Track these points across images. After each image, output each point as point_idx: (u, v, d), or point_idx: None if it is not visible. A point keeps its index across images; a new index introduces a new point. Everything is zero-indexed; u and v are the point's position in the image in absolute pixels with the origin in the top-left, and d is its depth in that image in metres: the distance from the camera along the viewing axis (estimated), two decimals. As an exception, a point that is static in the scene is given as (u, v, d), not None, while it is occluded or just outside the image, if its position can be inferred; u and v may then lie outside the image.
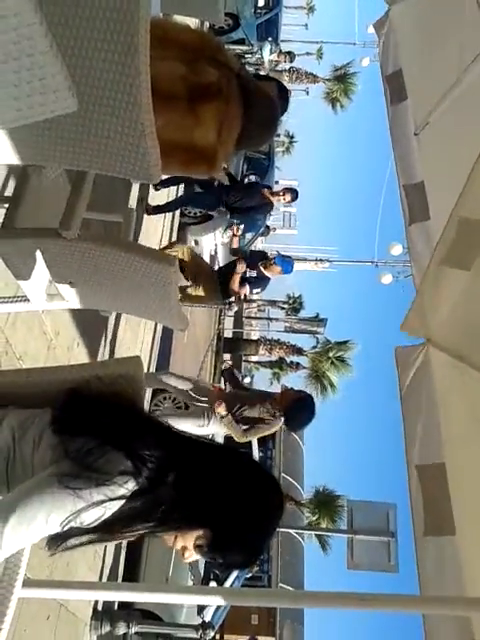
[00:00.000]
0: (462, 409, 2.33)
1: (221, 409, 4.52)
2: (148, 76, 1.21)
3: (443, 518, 2.20)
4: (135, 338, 5.60)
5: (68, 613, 4.10)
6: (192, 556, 1.19)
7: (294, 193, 6.74)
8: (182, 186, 6.63)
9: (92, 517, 1.12)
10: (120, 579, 5.41)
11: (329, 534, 17.23)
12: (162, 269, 1.61)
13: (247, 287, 5.57)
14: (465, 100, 2.89)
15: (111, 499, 1.11)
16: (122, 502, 1.13)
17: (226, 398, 4.63)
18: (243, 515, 1.16)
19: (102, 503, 1.11)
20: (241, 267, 5.37)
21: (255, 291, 5.81)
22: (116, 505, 1.13)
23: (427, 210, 3.03)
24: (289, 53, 12.05)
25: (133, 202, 5.09)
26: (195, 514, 1.15)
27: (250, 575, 15.75)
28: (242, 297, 5.70)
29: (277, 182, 30.97)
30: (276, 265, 5.62)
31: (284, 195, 6.47)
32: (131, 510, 1.14)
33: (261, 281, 5.76)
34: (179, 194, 6.70)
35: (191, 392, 4.85)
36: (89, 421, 1.19)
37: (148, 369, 6.10)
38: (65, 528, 1.11)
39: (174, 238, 7.03)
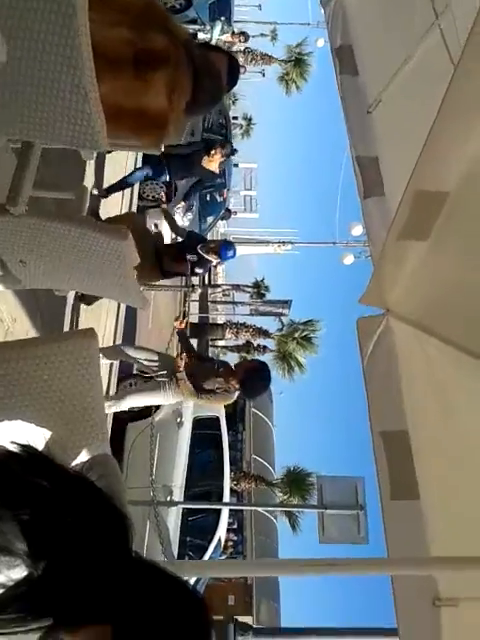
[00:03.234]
0: (423, 377, 2.38)
1: (181, 363, 4.75)
2: (88, 38, 1.17)
3: (407, 483, 2.26)
4: (97, 323, 5.52)
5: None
6: None
7: (226, 147, 6.63)
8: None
9: None
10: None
11: (300, 511, 17.51)
12: (114, 243, 1.57)
13: (188, 265, 5.61)
14: (416, 77, 2.92)
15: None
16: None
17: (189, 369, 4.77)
18: (153, 616, 0.86)
19: None
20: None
21: (197, 270, 5.79)
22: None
23: (382, 185, 3.06)
24: (243, 33, 11.84)
25: (87, 181, 4.99)
26: (94, 608, 0.84)
27: (225, 557, 15.94)
28: (186, 273, 5.72)
29: (236, 165, 30.86)
30: (216, 253, 5.68)
31: (215, 153, 6.32)
32: (8, 602, 0.84)
33: (202, 263, 5.76)
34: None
35: (154, 363, 4.93)
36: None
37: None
38: None
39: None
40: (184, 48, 1.81)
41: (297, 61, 28.24)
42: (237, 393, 4.86)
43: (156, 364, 4.94)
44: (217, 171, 6.49)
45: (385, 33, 3.30)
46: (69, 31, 1.14)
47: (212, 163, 6.33)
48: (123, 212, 6.66)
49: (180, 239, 5.81)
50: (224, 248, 5.80)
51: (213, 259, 5.73)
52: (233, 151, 7.24)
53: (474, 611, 1.94)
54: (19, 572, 0.83)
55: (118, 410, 5.09)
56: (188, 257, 5.50)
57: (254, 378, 4.80)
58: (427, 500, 2.18)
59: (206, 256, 5.64)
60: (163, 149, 6.06)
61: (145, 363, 4.99)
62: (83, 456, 1.30)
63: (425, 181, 1.93)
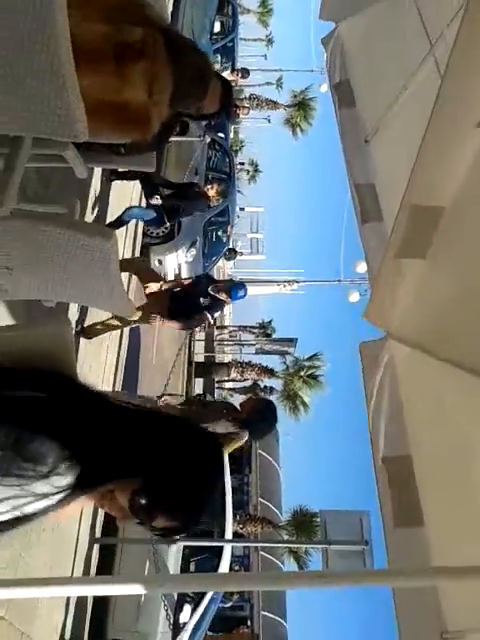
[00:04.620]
0: (424, 399, 2.33)
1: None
2: (66, 27, 1.19)
3: (411, 510, 2.18)
4: (97, 359, 5.49)
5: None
6: (127, 519, 1.13)
7: (221, 182, 6.83)
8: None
9: (36, 508, 1.04)
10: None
11: (308, 554, 17.07)
12: (101, 243, 1.56)
13: (207, 315, 5.69)
14: (412, 106, 2.96)
15: (59, 491, 1.04)
16: (69, 491, 1.05)
17: (188, 415, 4.64)
18: (175, 464, 1.12)
19: (49, 495, 1.03)
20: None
21: (214, 315, 5.88)
22: (62, 495, 1.05)
23: (379, 211, 3.06)
24: (243, 69, 12.14)
25: (89, 211, 5.04)
26: (125, 465, 1.09)
27: (230, 604, 15.43)
28: (210, 322, 5.78)
29: (243, 208, 31.39)
30: (227, 293, 5.76)
31: (211, 186, 6.53)
32: (74, 489, 1.07)
33: (215, 305, 5.84)
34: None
35: None
36: (10, 406, 1.05)
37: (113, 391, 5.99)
38: (2, 518, 1.03)
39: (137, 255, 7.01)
40: (163, 37, 1.82)
41: (301, 105, 29.06)
42: (246, 433, 4.69)
43: None
44: (211, 201, 6.69)
45: (381, 65, 3.38)
46: (48, 21, 1.16)
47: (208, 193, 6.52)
48: (128, 250, 6.73)
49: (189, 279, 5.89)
50: (234, 289, 5.86)
51: (224, 297, 5.82)
52: (225, 192, 7.50)
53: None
54: (75, 471, 1.03)
55: None
56: (202, 301, 5.58)
57: (259, 418, 4.64)
58: (432, 526, 2.10)
59: (218, 296, 5.72)
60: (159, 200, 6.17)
61: None
62: None
63: (419, 196, 1.92)
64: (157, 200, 6.15)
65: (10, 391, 1.07)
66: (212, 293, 5.69)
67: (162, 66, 1.78)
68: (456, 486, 2.09)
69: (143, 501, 1.09)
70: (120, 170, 5.61)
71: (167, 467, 1.11)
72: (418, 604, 2.12)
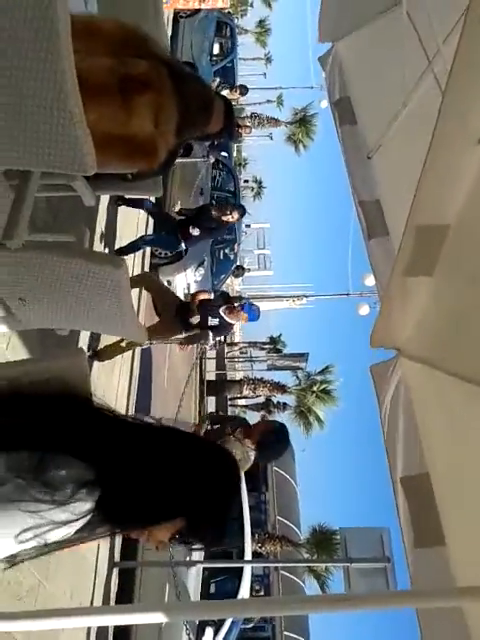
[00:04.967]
0: (439, 415, 2.30)
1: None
2: (72, 61, 1.21)
3: (432, 529, 2.15)
4: (110, 382, 5.50)
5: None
6: (166, 548, 1.22)
7: (240, 209, 6.90)
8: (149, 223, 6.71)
9: (58, 536, 1.06)
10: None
11: (329, 573, 16.85)
12: (112, 272, 1.58)
13: (210, 334, 5.69)
14: (414, 121, 2.98)
15: (78, 518, 1.05)
16: (90, 516, 1.07)
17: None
18: (208, 495, 1.14)
19: (68, 523, 1.04)
20: (205, 294, 5.55)
21: (217, 338, 5.89)
22: (83, 521, 1.06)
23: (385, 226, 3.07)
24: (242, 86, 12.20)
25: (97, 238, 5.09)
26: (167, 508, 1.12)
27: (252, 625, 15.22)
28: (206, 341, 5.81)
29: (249, 225, 31.52)
30: (243, 312, 5.74)
31: (231, 213, 6.56)
32: (98, 519, 1.08)
33: (223, 328, 5.81)
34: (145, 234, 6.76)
35: None
36: (28, 429, 1.05)
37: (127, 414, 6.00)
38: (24, 547, 1.03)
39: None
40: (166, 68, 1.85)
41: (302, 121, 29.36)
42: (253, 455, 4.66)
43: None
44: (230, 222, 6.74)
45: (380, 82, 3.40)
46: (53, 56, 1.18)
47: (223, 218, 6.54)
48: (136, 272, 6.78)
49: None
50: (251, 313, 5.87)
51: (235, 321, 5.84)
52: (244, 213, 7.56)
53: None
54: (96, 496, 1.04)
55: None
56: (210, 322, 5.60)
57: (273, 439, 4.60)
58: (453, 545, 2.07)
59: (228, 319, 5.72)
60: (198, 231, 6.26)
61: None
62: None
63: (424, 215, 1.92)
64: (197, 231, 6.23)
65: (29, 417, 1.08)
66: (223, 315, 5.71)
67: (167, 96, 1.81)
68: (476, 503, 2.07)
69: (186, 538, 1.17)
70: (126, 196, 5.69)
71: (205, 505, 1.14)
72: (444, 624, 2.08)
